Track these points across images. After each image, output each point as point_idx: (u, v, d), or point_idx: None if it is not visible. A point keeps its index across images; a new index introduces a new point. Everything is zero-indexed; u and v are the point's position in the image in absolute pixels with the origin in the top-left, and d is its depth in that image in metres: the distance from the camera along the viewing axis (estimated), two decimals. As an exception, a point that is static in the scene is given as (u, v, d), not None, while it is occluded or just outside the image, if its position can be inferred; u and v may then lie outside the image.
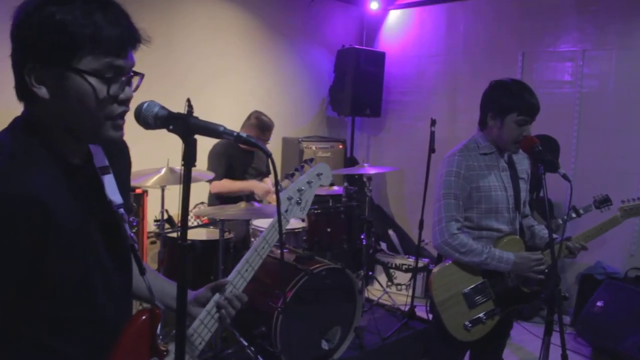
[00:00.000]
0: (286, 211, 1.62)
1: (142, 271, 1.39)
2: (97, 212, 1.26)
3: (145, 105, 1.22)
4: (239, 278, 1.53)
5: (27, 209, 1.08)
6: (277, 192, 1.35)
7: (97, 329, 1.26)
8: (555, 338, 2.21)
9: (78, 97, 1.14)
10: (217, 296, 1.48)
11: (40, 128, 1.18)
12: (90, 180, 1.27)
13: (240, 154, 4.42)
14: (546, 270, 2.55)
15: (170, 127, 1.21)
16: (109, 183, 1.31)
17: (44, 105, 1.15)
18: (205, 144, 4.14)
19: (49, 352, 1.20)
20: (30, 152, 1.15)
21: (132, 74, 1.20)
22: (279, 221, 1.46)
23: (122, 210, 1.32)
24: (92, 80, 1.13)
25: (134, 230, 3.71)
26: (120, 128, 1.22)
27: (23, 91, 1.17)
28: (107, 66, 1.14)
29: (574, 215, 3.36)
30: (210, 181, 4.22)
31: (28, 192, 1.09)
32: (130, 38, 1.17)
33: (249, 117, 4.55)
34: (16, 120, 1.21)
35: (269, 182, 4.49)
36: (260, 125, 4.47)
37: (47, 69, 1.12)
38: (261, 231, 3.93)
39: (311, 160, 1.79)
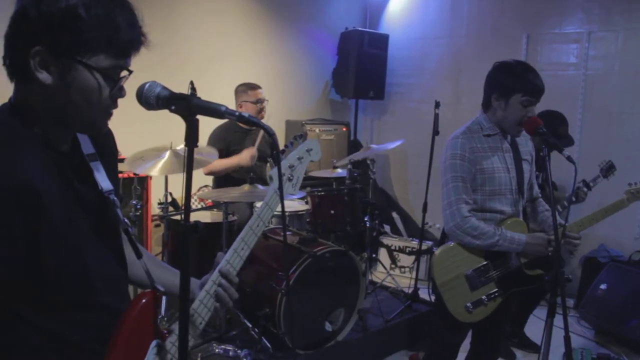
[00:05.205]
0: (278, 188, 1.64)
1: (139, 255, 1.39)
2: (88, 198, 1.26)
3: (147, 85, 1.21)
4: (235, 256, 1.56)
5: (20, 197, 1.08)
6: (279, 171, 1.35)
7: (97, 314, 1.26)
8: (558, 320, 2.22)
9: (82, 90, 1.15)
10: (214, 276, 1.50)
11: (29, 113, 1.17)
12: (79, 167, 1.27)
13: (238, 138, 4.36)
14: (549, 254, 2.54)
15: (172, 107, 1.20)
16: (98, 170, 1.31)
17: (40, 88, 1.14)
18: (208, 127, 4.14)
19: (52, 338, 1.20)
20: (18, 139, 1.15)
21: (129, 73, 1.21)
22: (281, 199, 1.48)
23: (112, 196, 1.32)
24: (99, 77, 1.15)
25: (137, 213, 3.72)
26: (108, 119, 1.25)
27: (17, 70, 1.15)
28: (115, 67, 1.17)
29: (585, 189, 3.33)
30: None
31: (20, 180, 1.09)
32: (139, 43, 1.20)
33: (235, 93, 4.48)
34: (4, 106, 1.20)
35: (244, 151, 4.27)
36: (246, 86, 4.40)
37: (56, 57, 1.12)
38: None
39: (301, 136, 1.79)
